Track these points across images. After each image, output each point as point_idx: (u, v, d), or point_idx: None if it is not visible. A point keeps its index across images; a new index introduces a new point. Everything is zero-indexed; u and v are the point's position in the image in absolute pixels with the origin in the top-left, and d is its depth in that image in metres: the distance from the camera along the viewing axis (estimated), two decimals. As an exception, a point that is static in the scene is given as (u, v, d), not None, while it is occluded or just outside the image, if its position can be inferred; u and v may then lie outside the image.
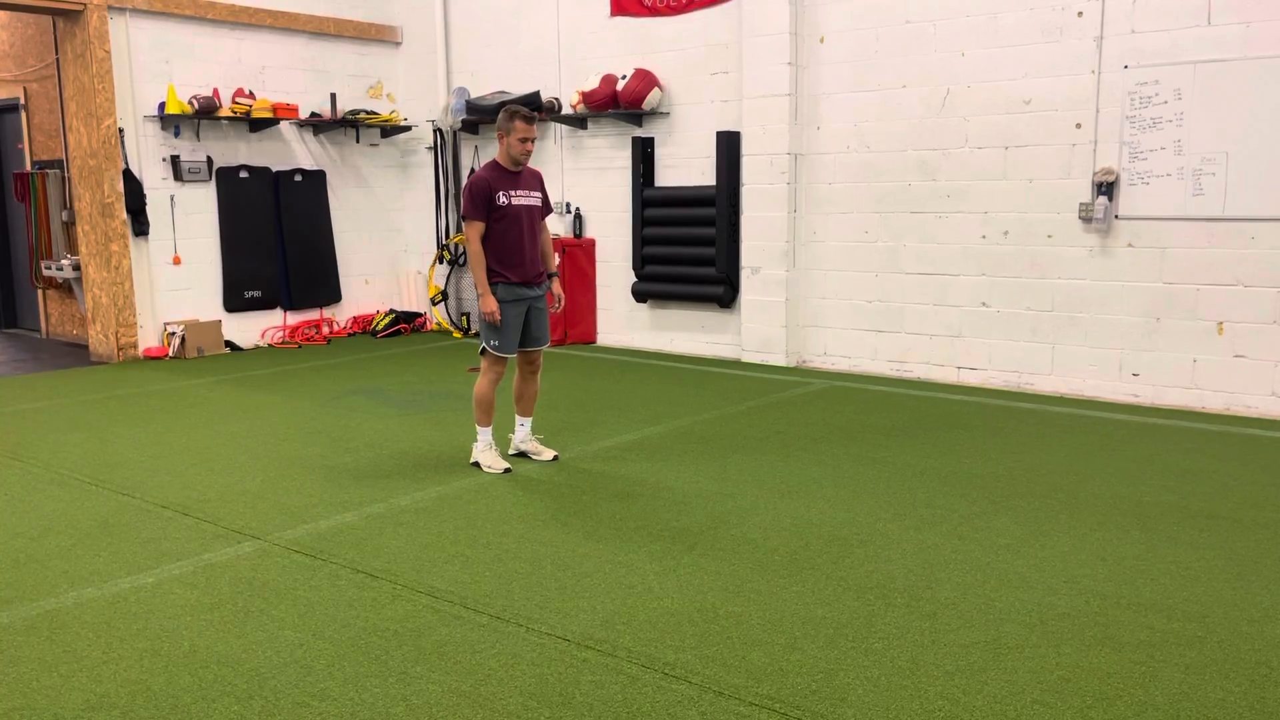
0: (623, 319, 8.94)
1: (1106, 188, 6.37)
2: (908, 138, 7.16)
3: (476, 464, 5.08)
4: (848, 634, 3.15)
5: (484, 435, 5.08)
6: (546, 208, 5.15)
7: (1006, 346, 6.93)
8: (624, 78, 8.29)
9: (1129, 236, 6.37)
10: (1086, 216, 6.46)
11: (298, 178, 9.38)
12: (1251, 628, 3.17)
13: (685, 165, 8.32)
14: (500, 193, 4.86)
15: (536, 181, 5.04)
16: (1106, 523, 4.16)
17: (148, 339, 8.56)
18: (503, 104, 8.86)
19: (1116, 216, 6.39)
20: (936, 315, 7.20)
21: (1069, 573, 3.63)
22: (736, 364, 7.97)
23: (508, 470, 4.99)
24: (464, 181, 9.77)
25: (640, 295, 8.66)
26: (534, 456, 5.17)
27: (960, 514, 4.30)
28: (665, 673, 2.91)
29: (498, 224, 4.88)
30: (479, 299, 4.90)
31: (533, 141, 4.87)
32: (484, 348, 5.03)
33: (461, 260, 9.84)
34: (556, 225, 9.18)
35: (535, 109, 8.91)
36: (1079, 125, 6.45)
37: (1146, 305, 6.35)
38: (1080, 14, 6.36)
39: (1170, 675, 2.87)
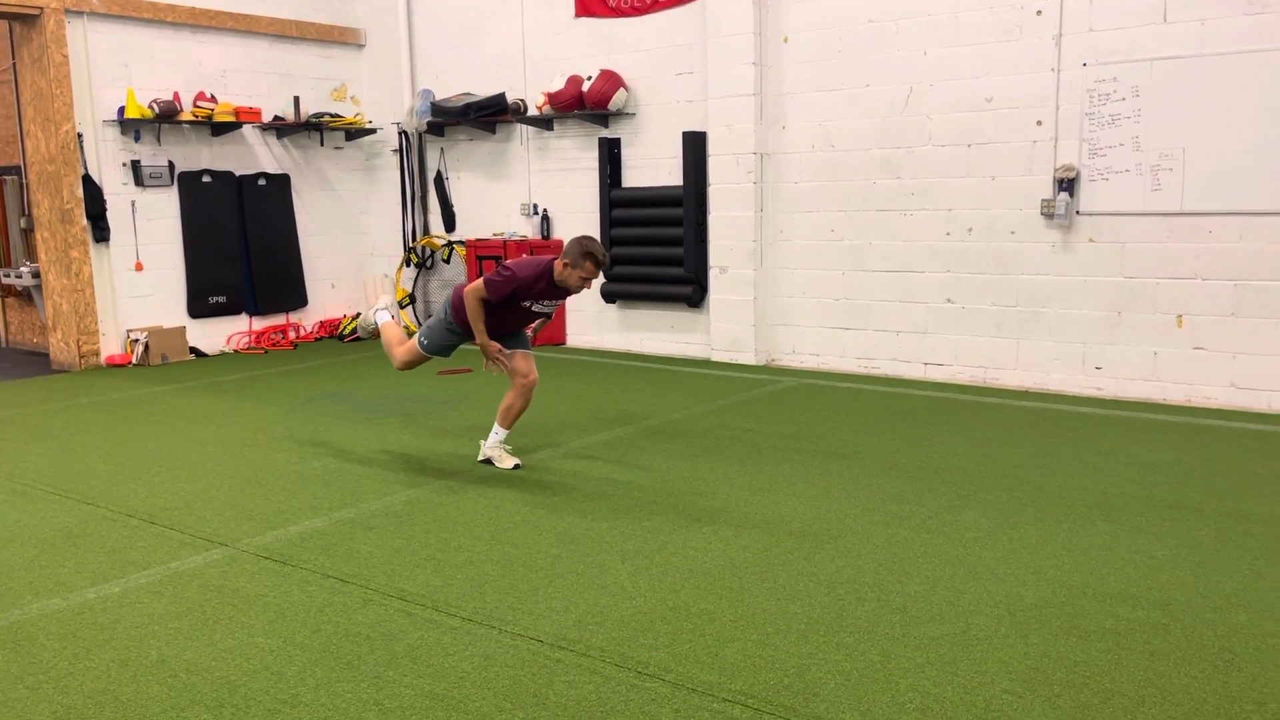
0: (592, 320, 8.94)
1: (1067, 184, 6.46)
2: (872, 136, 7.22)
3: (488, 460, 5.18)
4: (819, 629, 3.17)
5: (501, 433, 5.17)
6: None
7: (972, 342, 7.00)
8: (590, 79, 8.29)
9: (1090, 232, 6.46)
10: (1048, 213, 6.55)
11: (261, 181, 9.29)
12: (1215, 614, 3.22)
13: (652, 166, 8.33)
14: (532, 301, 4.93)
15: (565, 293, 4.99)
16: (1072, 514, 4.22)
17: (110, 346, 8.45)
18: (462, 106, 8.87)
19: (1078, 212, 6.48)
20: (903, 312, 7.26)
21: (1036, 564, 3.68)
22: (706, 363, 7.99)
23: (517, 465, 5.08)
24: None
25: (609, 296, 8.66)
26: (496, 463, 5.12)
27: (929, 508, 4.34)
28: (639, 671, 2.91)
29: (508, 309, 4.92)
30: (481, 346, 4.94)
31: (591, 282, 4.88)
32: (420, 340, 5.23)
33: (429, 263, 9.80)
34: (524, 226, 9.17)
35: (500, 110, 8.91)
36: (1040, 122, 6.53)
37: (1108, 299, 6.45)
38: (1039, 12, 6.45)
39: (1136, 663, 2.91)
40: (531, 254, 8.81)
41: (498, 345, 4.93)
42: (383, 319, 5.64)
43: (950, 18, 6.78)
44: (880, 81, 7.12)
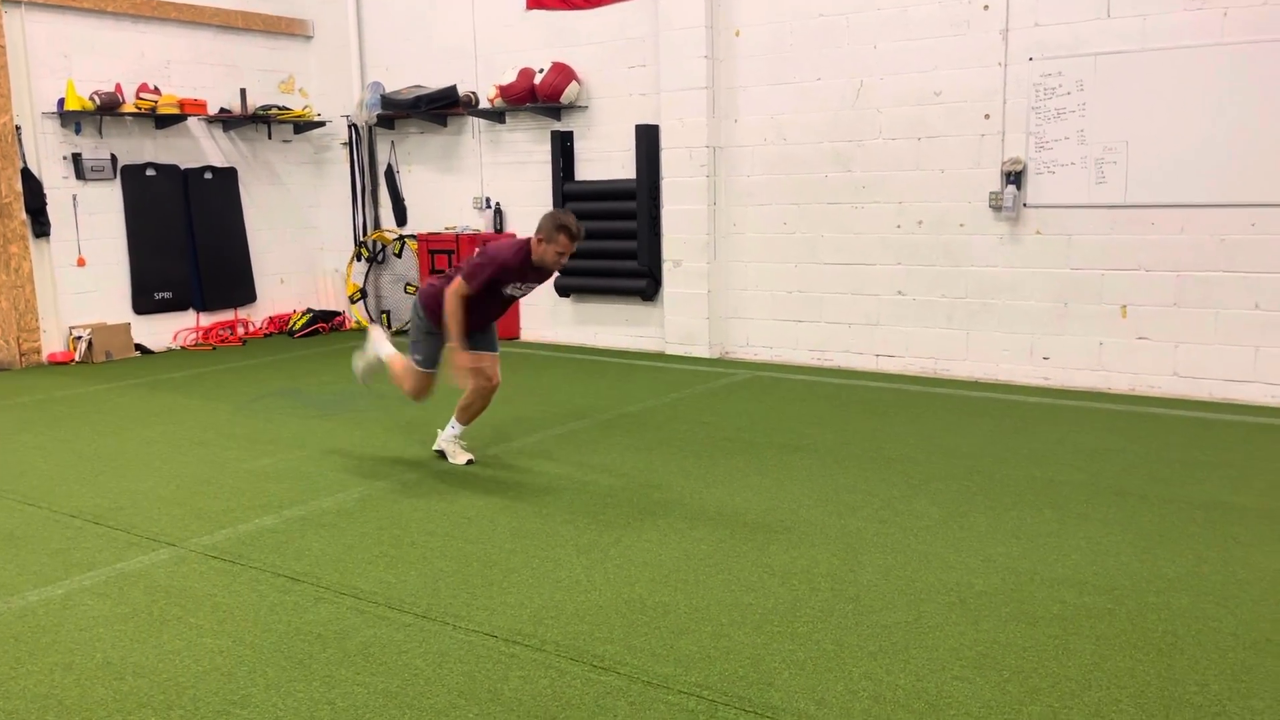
0: (546, 313, 8.91)
1: (1015, 177, 6.55)
2: (823, 130, 7.26)
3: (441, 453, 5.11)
4: (774, 619, 3.19)
5: (458, 429, 5.04)
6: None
7: (923, 333, 7.08)
8: (541, 71, 8.25)
9: (1037, 224, 6.56)
10: (996, 205, 6.64)
11: (208, 175, 9.13)
12: (1158, 598, 3.29)
13: (605, 159, 8.31)
14: (512, 286, 4.76)
15: (544, 274, 4.83)
16: (1021, 502, 4.29)
17: (52, 344, 8.25)
18: (416, 95, 8.78)
19: (1025, 205, 6.58)
20: (855, 304, 7.32)
21: (986, 551, 3.73)
22: (661, 356, 8.00)
23: (469, 461, 5.02)
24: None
25: (563, 289, 8.63)
26: (450, 458, 5.06)
27: (881, 498, 4.38)
28: (594, 665, 2.91)
29: (486, 296, 4.74)
30: (455, 352, 4.70)
31: (568, 257, 4.67)
32: (409, 362, 5.03)
33: (380, 257, 9.70)
34: (477, 220, 9.10)
35: (451, 103, 8.83)
36: (987, 116, 6.62)
37: (1055, 290, 6.56)
38: (986, 7, 6.52)
39: (1083, 647, 2.97)
40: (485, 247, 8.76)
41: (471, 356, 4.72)
42: (386, 351, 5.26)
43: (899, 12, 6.84)
44: (831, 75, 7.17)
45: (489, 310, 4.86)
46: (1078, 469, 4.76)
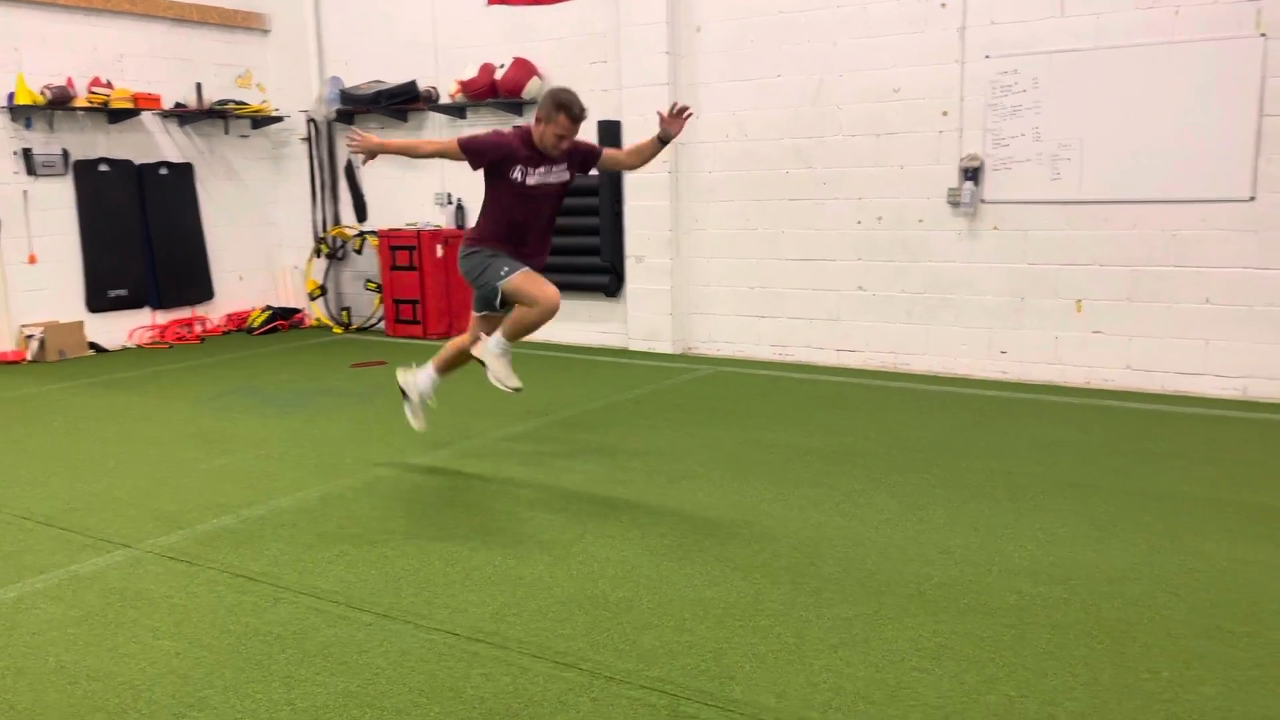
0: (508, 310, 8.86)
1: (972, 173, 6.62)
2: (784, 126, 7.30)
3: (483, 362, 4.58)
4: (735, 613, 3.21)
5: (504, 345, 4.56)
6: (590, 161, 4.70)
7: (883, 328, 7.14)
8: (502, 67, 8.21)
9: (994, 220, 6.64)
10: (955, 201, 6.71)
11: (163, 170, 8.98)
12: (1111, 587, 3.35)
13: (567, 155, 8.28)
14: (520, 168, 4.39)
15: (570, 150, 4.50)
16: (979, 495, 4.34)
17: (3, 343, 8.08)
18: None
19: (982, 201, 6.65)
20: (816, 300, 7.37)
21: (945, 543, 3.77)
22: (624, 352, 8.00)
23: (518, 389, 4.54)
24: (346, 165, 9.54)
25: (525, 286, 8.59)
26: (500, 378, 4.53)
27: (842, 491, 4.42)
28: (556, 661, 2.91)
29: (508, 198, 4.44)
30: (377, 142, 4.43)
31: (569, 140, 4.40)
32: (488, 301, 4.58)
33: (340, 254, 9.60)
34: (439, 216, 9.04)
35: (411, 98, 8.77)
36: (945, 113, 6.69)
37: (1012, 285, 6.64)
38: (944, 5, 6.59)
39: (1039, 636, 3.01)
40: (447, 243, 8.72)
41: (374, 144, 4.42)
42: (428, 369, 4.95)
43: (858, 9, 6.89)
44: (791, 72, 7.20)
45: (529, 221, 4.48)
46: (1034, 461, 4.83)
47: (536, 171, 4.42)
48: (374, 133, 9.19)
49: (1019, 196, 6.52)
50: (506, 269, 4.45)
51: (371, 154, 4.47)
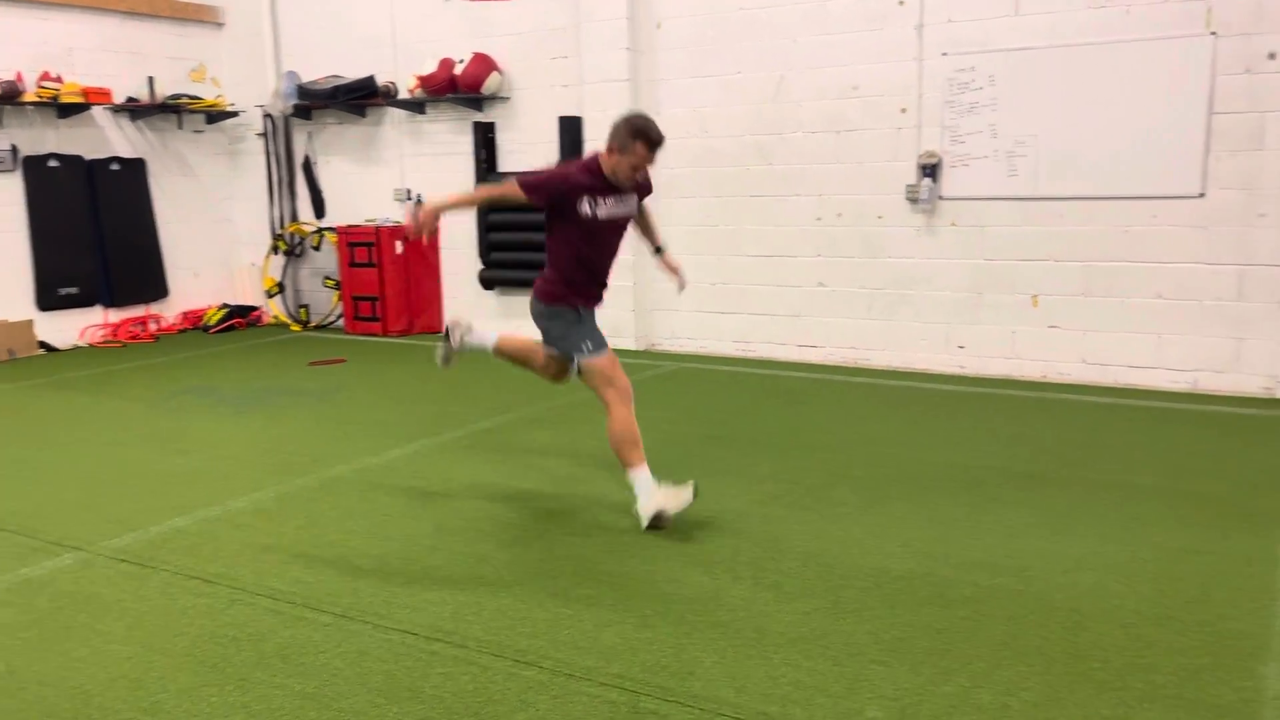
0: (470, 306, 8.81)
1: (930, 169, 6.68)
2: (745, 123, 7.32)
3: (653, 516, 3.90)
4: (696, 608, 3.21)
5: (640, 476, 3.94)
6: (645, 192, 4.25)
7: (843, 324, 7.19)
8: (462, 62, 8.16)
9: (952, 216, 6.70)
10: (913, 197, 6.77)
11: (114, 166, 8.82)
12: (1065, 577, 3.40)
13: (528, 150, 8.25)
14: (588, 201, 3.93)
15: (629, 199, 4.10)
16: (937, 488, 4.39)
17: (-50, 342, 7.91)
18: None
19: (940, 197, 6.72)
20: (777, 296, 7.40)
21: (903, 536, 3.81)
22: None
23: (691, 497, 3.91)
24: (297, 161, 9.43)
25: (487, 282, 8.56)
26: (672, 509, 3.89)
27: (803, 486, 4.44)
28: (516, 660, 2.90)
29: (577, 236, 4.00)
30: (432, 205, 3.95)
31: (644, 171, 3.98)
32: (578, 364, 4.07)
33: (298, 250, 9.49)
34: (398, 212, 8.96)
35: (370, 93, 8.69)
36: (904, 110, 6.74)
37: (970, 281, 6.71)
38: (901, 3, 6.63)
39: (994, 626, 3.05)
40: (407, 240, 8.64)
41: (435, 211, 3.92)
42: (491, 338, 4.52)
43: (818, 6, 6.92)
44: (752, 69, 7.22)
45: (598, 256, 4.07)
46: (991, 454, 4.89)
47: (606, 203, 3.98)
48: (331, 137, 9.10)
49: (976, 193, 6.59)
50: (590, 345, 4.05)
51: (434, 228, 4.01)
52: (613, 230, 4.10)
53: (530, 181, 3.97)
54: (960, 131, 6.56)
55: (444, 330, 4.62)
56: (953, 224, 6.71)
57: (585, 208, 3.93)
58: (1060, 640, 2.96)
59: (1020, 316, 6.58)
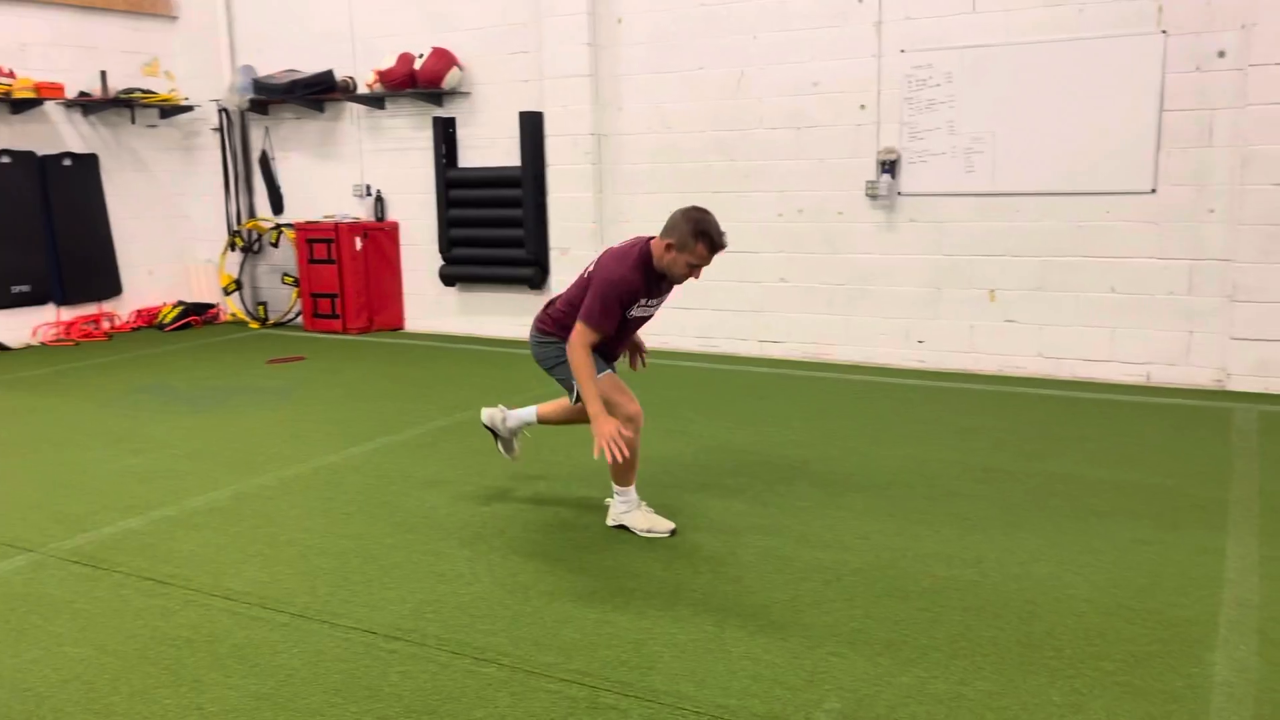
0: (431, 303, 8.77)
1: (890, 166, 6.74)
2: (706, 119, 7.33)
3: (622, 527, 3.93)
4: (656, 603, 3.22)
5: (627, 494, 3.94)
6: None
7: (804, 319, 7.23)
8: (421, 56, 8.10)
9: (911, 212, 6.76)
10: (873, 194, 6.82)
11: (66, 162, 8.66)
12: (1020, 569, 3.45)
13: (489, 146, 8.22)
14: (639, 305, 3.78)
15: (670, 284, 3.87)
16: (896, 481, 4.43)
17: (-104, 341, 7.73)
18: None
19: (899, 193, 6.77)
20: (739, 291, 7.43)
21: (861, 529, 3.84)
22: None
23: (673, 531, 3.85)
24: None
25: (448, 279, 8.52)
26: (644, 529, 3.87)
27: (763, 481, 4.47)
28: (476, 657, 2.89)
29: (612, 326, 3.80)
30: (592, 419, 3.65)
31: (701, 271, 3.75)
32: (577, 390, 3.84)
33: (256, 247, 9.38)
34: (357, 208, 8.89)
35: (328, 88, 8.60)
36: (863, 106, 6.79)
37: (929, 276, 6.78)
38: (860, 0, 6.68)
39: (951, 618, 3.09)
40: (366, 236, 8.57)
41: (617, 424, 3.63)
42: (531, 412, 4.32)
43: (778, 3, 6.94)
44: (713, 65, 7.24)
45: (617, 335, 3.88)
46: (949, 448, 4.94)
47: (652, 302, 3.86)
48: (289, 132, 8.99)
49: (934, 189, 6.65)
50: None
51: (615, 429, 3.65)
52: (643, 321, 3.96)
53: (594, 319, 3.67)
54: (919, 128, 6.62)
55: (486, 428, 4.43)
56: (911, 220, 6.77)
57: (634, 310, 3.78)
58: (1014, 631, 3.00)
59: (978, 311, 6.66)
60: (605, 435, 3.56)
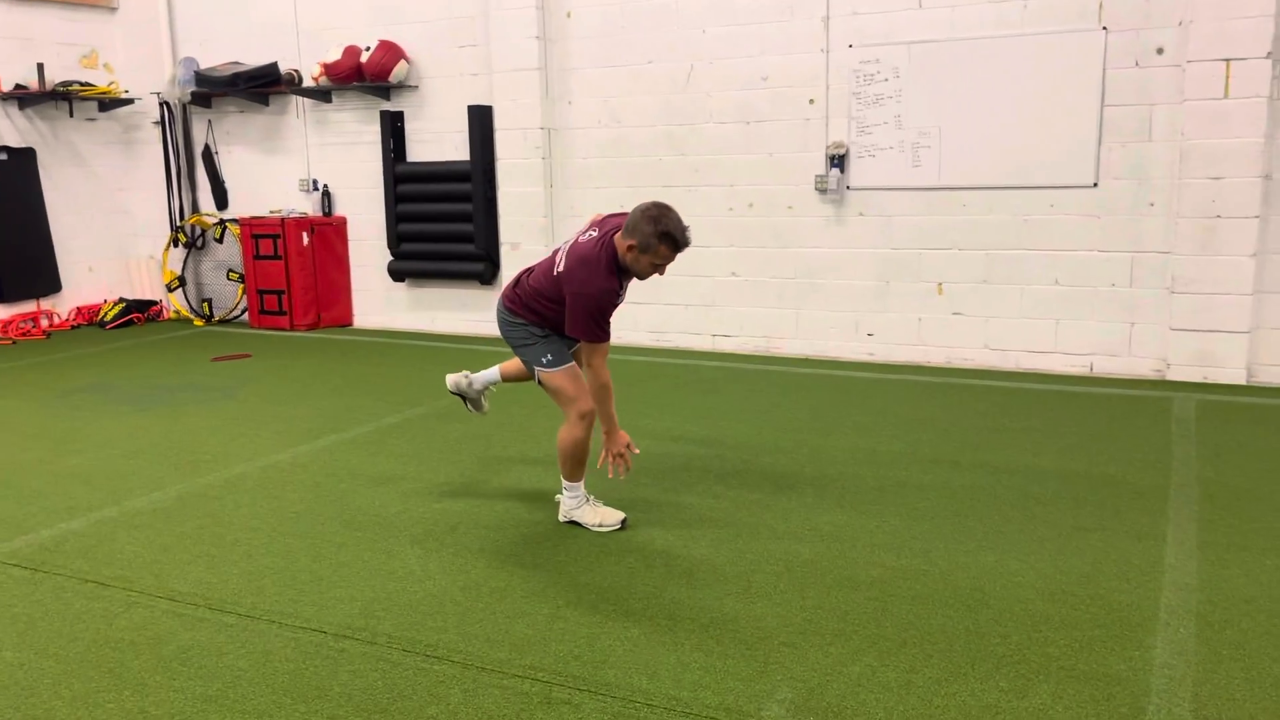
0: (380, 299, 8.68)
1: (838, 160, 6.79)
2: (656, 113, 7.33)
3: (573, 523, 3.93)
4: (609, 598, 3.22)
5: (576, 489, 3.93)
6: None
7: (755, 313, 7.27)
8: (368, 49, 8.00)
9: (860, 206, 6.83)
10: (822, 188, 6.87)
11: (2, 156, 8.44)
12: (967, 558, 3.50)
13: (438, 140, 8.15)
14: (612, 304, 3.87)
15: (630, 277, 3.90)
16: (846, 473, 4.47)
17: None
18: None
19: (848, 187, 6.83)
20: (691, 286, 7.45)
21: (812, 521, 3.87)
22: (499, 341, 7.89)
23: (624, 521, 3.87)
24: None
25: (397, 274, 8.43)
26: (596, 524, 3.87)
27: (715, 474, 4.48)
28: (427, 654, 2.86)
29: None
30: (606, 435, 3.80)
31: (666, 268, 3.81)
32: (537, 376, 3.92)
33: (200, 243, 9.21)
34: (304, 203, 8.76)
35: (273, 81, 8.46)
36: (812, 101, 6.83)
37: (877, 270, 6.85)
38: (809, -5, 6.73)
39: (899, 607, 3.12)
40: (314, 231, 8.45)
41: (627, 439, 3.82)
42: (494, 372, 4.55)
43: (727, -3, 6.97)
44: (663, 59, 7.24)
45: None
46: (898, 439, 5.00)
47: (623, 294, 3.95)
48: (233, 126, 8.84)
49: (882, 183, 6.72)
50: (550, 358, 3.91)
51: (623, 444, 3.85)
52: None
53: (592, 334, 3.78)
54: (867, 123, 6.68)
55: (453, 392, 4.67)
56: (860, 214, 6.83)
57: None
58: (962, 619, 3.04)
59: (926, 304, 6.74)
60: (613, 450, 3.80)
